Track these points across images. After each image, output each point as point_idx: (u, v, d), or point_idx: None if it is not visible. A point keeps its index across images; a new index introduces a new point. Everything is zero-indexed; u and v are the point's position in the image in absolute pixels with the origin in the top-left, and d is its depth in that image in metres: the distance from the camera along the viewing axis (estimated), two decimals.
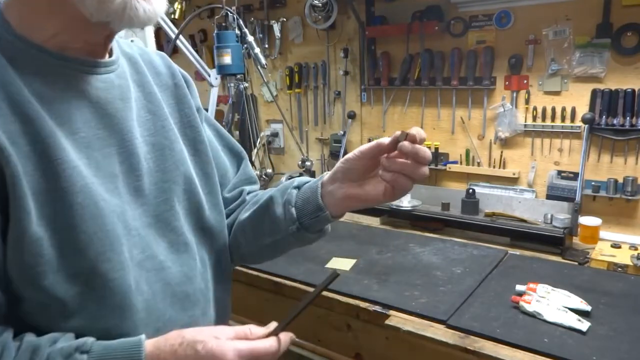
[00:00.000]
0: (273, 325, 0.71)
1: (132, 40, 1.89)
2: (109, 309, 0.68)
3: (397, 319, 1.26)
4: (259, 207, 0.88)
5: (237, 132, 2.38)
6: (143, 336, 0.65)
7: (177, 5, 2.56)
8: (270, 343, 0.68)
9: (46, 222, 0.63)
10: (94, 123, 0.69)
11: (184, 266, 0.79)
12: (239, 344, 0.65)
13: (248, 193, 0.98)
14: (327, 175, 0.82)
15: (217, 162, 0.93)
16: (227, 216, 0.94)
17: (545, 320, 1.19)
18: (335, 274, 0.71)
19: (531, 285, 1.30)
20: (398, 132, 0.73)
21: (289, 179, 2.25)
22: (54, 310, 0.65)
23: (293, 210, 0.82)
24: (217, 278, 0.89)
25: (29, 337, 0.63)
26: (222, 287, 0.91)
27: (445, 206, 1.87)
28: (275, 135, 2.60)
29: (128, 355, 0.63)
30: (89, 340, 0.64)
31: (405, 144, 0.71)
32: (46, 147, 0.63)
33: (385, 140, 0.75)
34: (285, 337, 0.71)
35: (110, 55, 0.75)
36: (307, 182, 0.85)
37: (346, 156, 0.79)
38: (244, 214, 0.91)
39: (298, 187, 0.85)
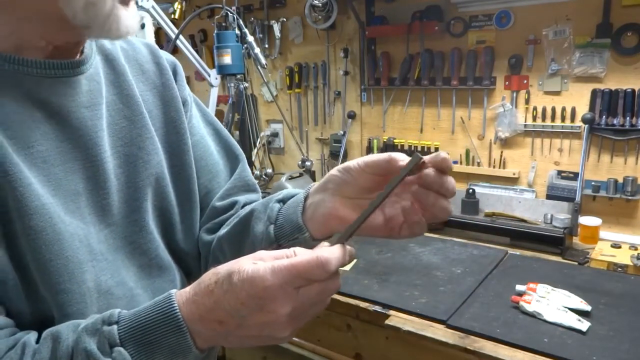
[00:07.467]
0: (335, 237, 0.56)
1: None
2: None
3: (397, 319, 1.26)
4: (238, 222, 0.76)
5: (237, 132, 2.37)
6: (173, 290, 0.56)
7: (177, 5, 2.55)
8: (317, 255, 0.51)
9: (5, 244, 0.57)
10: (54, 135, 0.61)
11: (157, 292, 0.69)
12: (276, 262, 0.51)
13: (244, 205, 0.83)
14: (315, 184, 0.67)
15: (207, 162, 0.83)
16: (214, 231, 0.80)
17: (545, 320, 1.19)
18: (418, 158, 0.55)
19: (531, 285, 1.30)
20: (420, 156, 0.56)
21: (289, 179, 2.29)
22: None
23: (272, 228, 0.68)
24: None
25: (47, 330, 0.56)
26: None
27: None
28: (275, 135, 2.60)
29: (160, 311, 0.54)
30: (116, 311, 0.55)
31: (431, 172, 0.56)
32: None
33: (401, 156, 0.58)
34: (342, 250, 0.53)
35: (82, 54, 0.66)
36: (294, 196, 0.71)
37: (345, 164, 0.63)
38: (224, 229, 0.78)
39: (283, 201, 0.71)
